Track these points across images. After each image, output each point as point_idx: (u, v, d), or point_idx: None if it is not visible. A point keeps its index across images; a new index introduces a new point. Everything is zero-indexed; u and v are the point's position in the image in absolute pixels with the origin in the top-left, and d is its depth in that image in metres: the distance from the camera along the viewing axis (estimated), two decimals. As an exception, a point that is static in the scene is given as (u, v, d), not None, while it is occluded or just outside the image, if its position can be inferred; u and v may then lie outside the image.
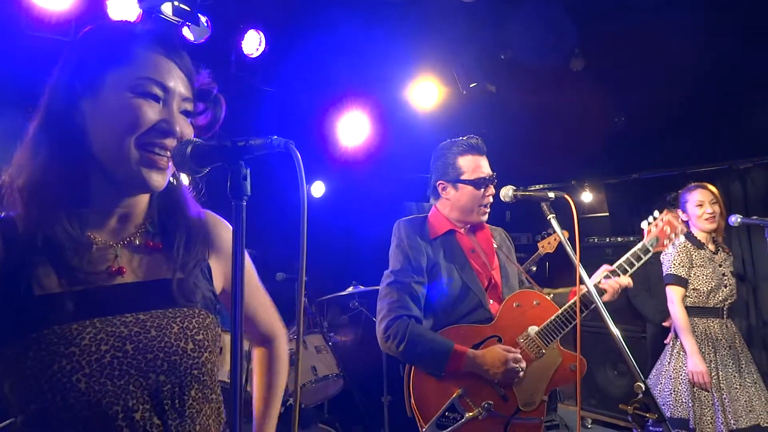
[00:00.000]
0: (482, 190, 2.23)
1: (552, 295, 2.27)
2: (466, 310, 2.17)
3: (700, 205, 3.30)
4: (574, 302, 2.08)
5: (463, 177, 2.25)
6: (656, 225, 2.28)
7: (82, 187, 0.97)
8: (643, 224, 2.31)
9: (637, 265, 2.21)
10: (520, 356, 2.05)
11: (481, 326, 2.15)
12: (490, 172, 2.27)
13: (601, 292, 2.12)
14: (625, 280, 2.17)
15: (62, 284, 0.92)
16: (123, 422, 0.90)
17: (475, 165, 2.25)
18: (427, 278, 2.17)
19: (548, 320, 2.13)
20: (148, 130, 0.94)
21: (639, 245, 2.24)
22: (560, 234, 1.92)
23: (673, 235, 2.27)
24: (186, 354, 0.97)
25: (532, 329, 2.14)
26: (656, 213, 2.32)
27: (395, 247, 2.23)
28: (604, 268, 2.22)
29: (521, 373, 2.04)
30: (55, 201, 0.94)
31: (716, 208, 3.29)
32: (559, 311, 2.14)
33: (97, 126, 0.95)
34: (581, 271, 1.82)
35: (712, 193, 3.32)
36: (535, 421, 2.09)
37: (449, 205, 2.29)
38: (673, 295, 3.32)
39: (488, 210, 2.26)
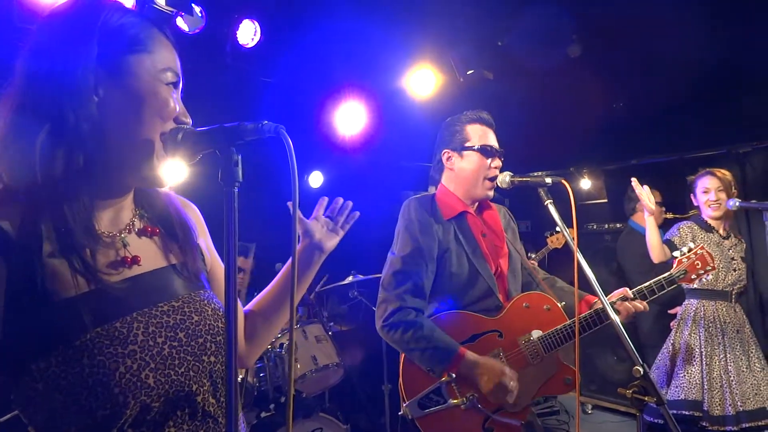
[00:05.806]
0: (488, 160, 2.15)
1: (564, 304, 2.17)
2: (475, 297, 2.11)
3: (706, 192, 3.34)
4: (585, 316, 2.03)
5: (468, 144, 2.18)
6: (688, 257, 2.19)
7: (88, 179, 0.91)
8: (676, 253, 2.23)
9: (658, 294, 2.12)
10: (515, 380, 1.94)
11: (484, 318, 2.10)
12: (498, 146, 2.20)
13: (615, 311, 2.00)
14: (641, 306, 2.09)
15: (81, 283, 0.86)
16: (188, 407, 0.92)
17: (483, 133, 2.19)
18: (436, 264, 2.09)
19: (554, 329, 2.06)
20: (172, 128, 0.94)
21: (666, 274, 2.15)
22: (561, 224, 1.91)
23: (702, 272, 2.17)
24: (224, 333, 0.99)
25: (536, 333, 2.08)
26: (691, 244, 2.24)
27: (404, 229, 2.12)
28: (623, 291, 2.13)
29: (510, 398, 1.92)
30: (59, 196, 0.87)
31: (722, 195, 3.30)
32: (568, 322, 2.06)
33: (119, 115, 0.90)
34: (580, 258, 1.82)
35: (721, 180, 3.32)
36: (515, 423, 2.03)
37: (454, 177, 2.22)
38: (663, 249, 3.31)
39: (494, 185, 2.17)
